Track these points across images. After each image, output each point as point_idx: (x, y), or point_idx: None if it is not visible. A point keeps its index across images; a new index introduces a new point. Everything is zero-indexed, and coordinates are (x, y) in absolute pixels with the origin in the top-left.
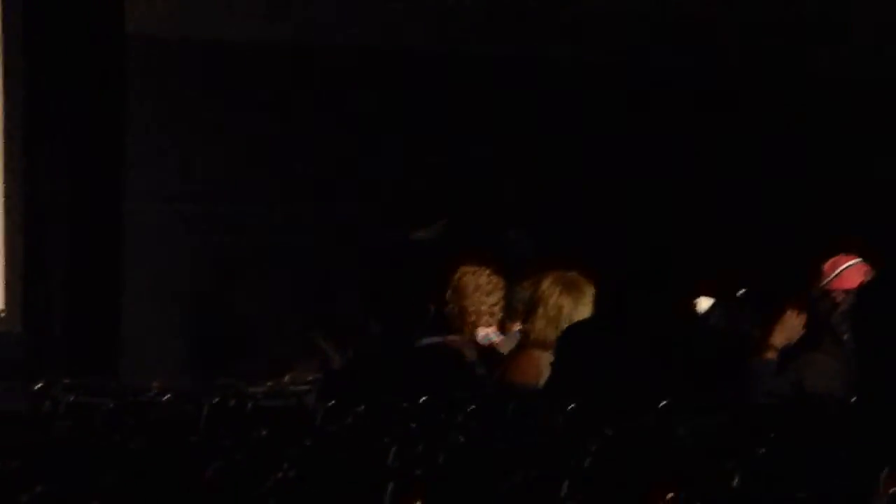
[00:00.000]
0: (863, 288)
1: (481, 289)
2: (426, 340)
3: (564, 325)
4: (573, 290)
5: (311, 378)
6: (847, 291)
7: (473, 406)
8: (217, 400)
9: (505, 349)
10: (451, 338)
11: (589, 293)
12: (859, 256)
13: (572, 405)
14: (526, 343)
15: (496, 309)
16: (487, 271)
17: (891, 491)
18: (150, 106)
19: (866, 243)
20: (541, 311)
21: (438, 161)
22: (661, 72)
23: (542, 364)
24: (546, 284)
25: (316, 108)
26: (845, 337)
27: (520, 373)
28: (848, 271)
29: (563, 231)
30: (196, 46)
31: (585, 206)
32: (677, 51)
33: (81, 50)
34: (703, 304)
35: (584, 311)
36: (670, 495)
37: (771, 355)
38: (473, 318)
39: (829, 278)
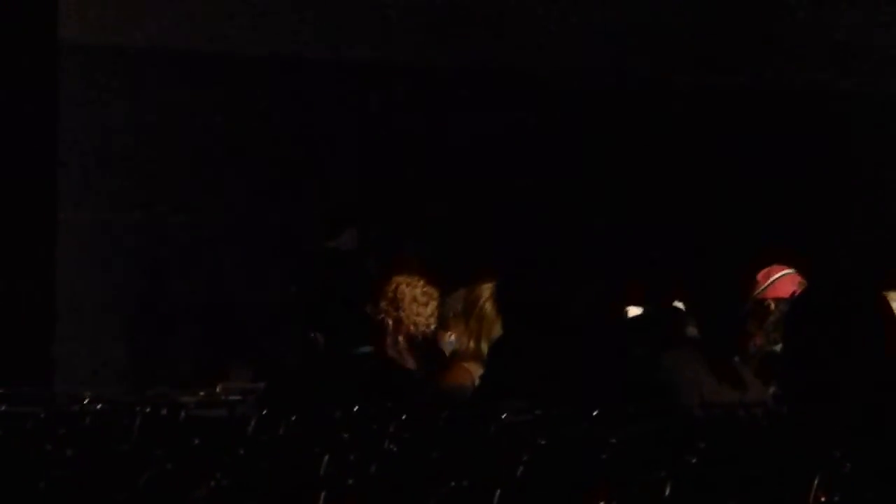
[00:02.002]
0: (796, 297)
1: (417, 300)
2: (363, 349)
3: (488, 335)
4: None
5: (244, 387)
6: (779, 300)
7: (406, 415)
8: (149, 409)
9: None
10: (389, 347)
11: None
12: (792, 266)
13: (505, 415)
14: (455, 354)
15: (432, 320)
16: (422, 282)
17: (822, 501)
18: (83, 114)
19: (798, 253)
20: (464, 320)
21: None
22: (568, 74)
23: (475, 374)
24: (474, 294)
25: (256, 116)
26: (777, 346)
27: (453, 383)
28: (781, 281)
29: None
30: (129, 54)
31: (517, 216)
32: (583, 53)
33: (13, 57)
34: (634, 313)
35: None
36: None
37: None
38: (410, 328)
39: (762, 287)
